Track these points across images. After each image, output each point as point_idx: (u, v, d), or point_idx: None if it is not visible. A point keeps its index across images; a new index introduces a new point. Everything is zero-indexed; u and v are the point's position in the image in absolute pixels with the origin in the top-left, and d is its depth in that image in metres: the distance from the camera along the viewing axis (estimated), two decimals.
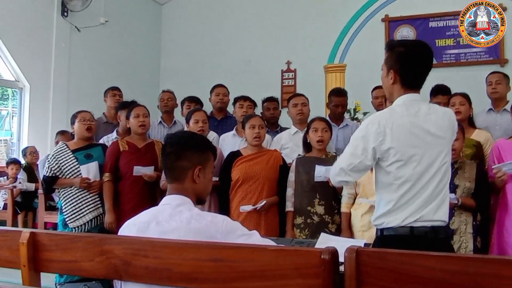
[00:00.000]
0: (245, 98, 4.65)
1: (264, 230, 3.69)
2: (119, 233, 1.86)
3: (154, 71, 9.71)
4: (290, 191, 3.88)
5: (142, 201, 3.89)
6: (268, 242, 1.76)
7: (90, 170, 4.09)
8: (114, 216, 3.99)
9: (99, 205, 4.09)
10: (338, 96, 4.85)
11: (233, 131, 4.58)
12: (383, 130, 2.29)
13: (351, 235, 3.61)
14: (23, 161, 7.03)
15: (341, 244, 1.70)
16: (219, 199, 3.97)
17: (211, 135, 4.58)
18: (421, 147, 2.29)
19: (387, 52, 2.43)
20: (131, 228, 1.80)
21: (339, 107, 4.82)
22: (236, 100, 4.69)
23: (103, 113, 5.28)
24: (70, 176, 4.07)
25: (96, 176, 4.10)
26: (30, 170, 6.89)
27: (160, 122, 5.29)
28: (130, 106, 4.30)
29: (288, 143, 4.36)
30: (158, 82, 9.48)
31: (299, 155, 3.99)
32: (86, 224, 4.02)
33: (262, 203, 3.75)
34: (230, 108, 5.16)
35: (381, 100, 4.82)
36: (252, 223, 3.67)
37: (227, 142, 4.51)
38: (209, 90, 5.26)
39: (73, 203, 4.04)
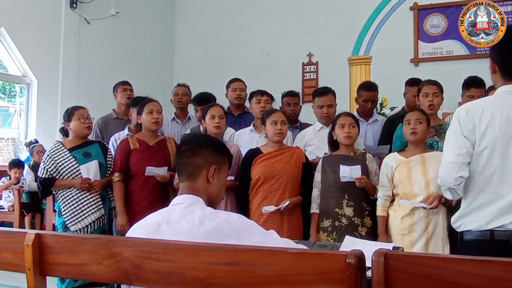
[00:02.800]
0: (262, 93, 4.62)
1: (287, 233, 3.64)
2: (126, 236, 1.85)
3: (167, 64, 9.74)
4: (315, 192, 3.82)
5: (154, 201, 3.89)
6: (287, 241, 1.73)
7: (89, 170, 4.07)
8: (127, 218, 4.00)
9: (101, 206, 4.09)
10: (368, 90, 4.82)
11: (251, 127, 4.55)
12: (472, 118, 2.26)
13: (388, 240, 3.53)
14: (31, 160, 7.09)
15: (367, 248, 1.67)
16: (238, 199, 3.95)
17: (229, 132, 4.57)
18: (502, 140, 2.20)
19: None
20: (139, 230, 1.79)
21: (368, 102, 4.79)
22: (253, 94, 4.65)
23: (113, 109, 5.28)
24: (68, 177, 4.05)
25: (96, 176, 4.09)
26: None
27: (174, 118, 5.26)
28: (142, 101, 4.28)
29: (313, 140, 4.32)
30: (172, 76, 9.49)
31: (325, 153, 3.94)
32: (88, 226, 4.02)
33: (286, 203, 3.71)
34: (247, 103, 5.13)
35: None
36: (274, 225, 3.63)
37: (244, 138, 4.49)
38: (225, 85, 5.23)
39: (73, 204, 4.03)
